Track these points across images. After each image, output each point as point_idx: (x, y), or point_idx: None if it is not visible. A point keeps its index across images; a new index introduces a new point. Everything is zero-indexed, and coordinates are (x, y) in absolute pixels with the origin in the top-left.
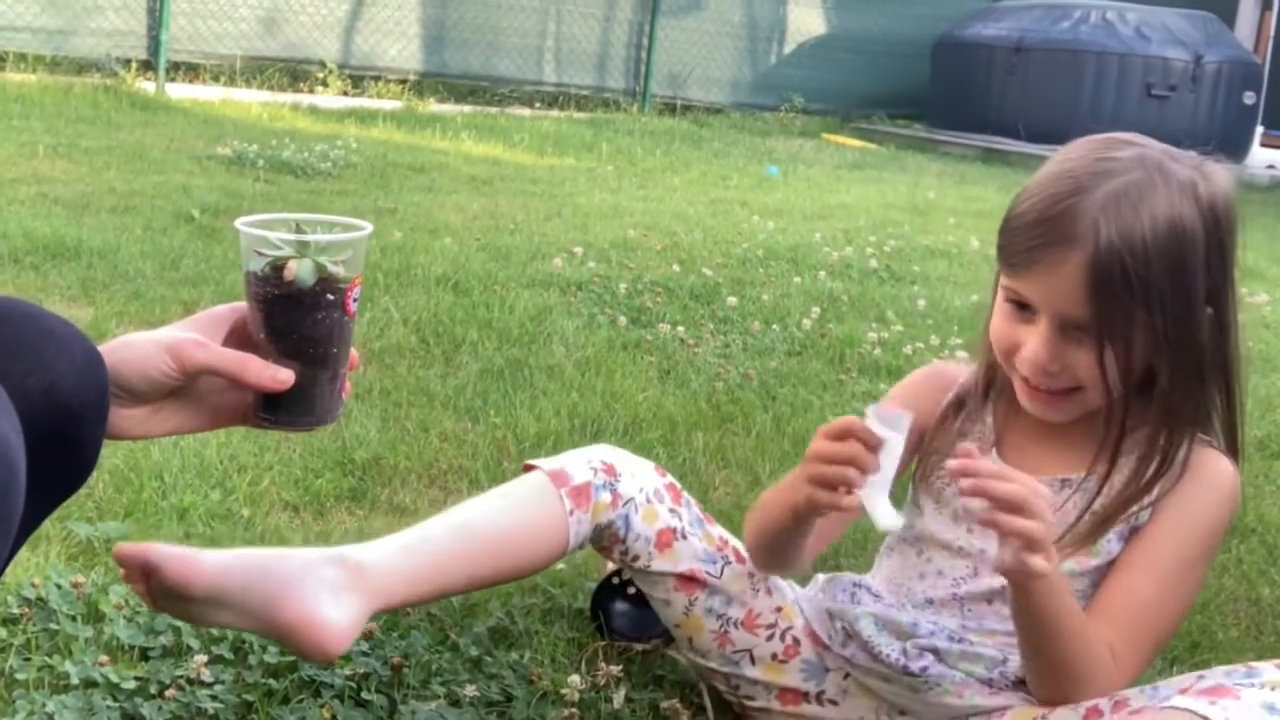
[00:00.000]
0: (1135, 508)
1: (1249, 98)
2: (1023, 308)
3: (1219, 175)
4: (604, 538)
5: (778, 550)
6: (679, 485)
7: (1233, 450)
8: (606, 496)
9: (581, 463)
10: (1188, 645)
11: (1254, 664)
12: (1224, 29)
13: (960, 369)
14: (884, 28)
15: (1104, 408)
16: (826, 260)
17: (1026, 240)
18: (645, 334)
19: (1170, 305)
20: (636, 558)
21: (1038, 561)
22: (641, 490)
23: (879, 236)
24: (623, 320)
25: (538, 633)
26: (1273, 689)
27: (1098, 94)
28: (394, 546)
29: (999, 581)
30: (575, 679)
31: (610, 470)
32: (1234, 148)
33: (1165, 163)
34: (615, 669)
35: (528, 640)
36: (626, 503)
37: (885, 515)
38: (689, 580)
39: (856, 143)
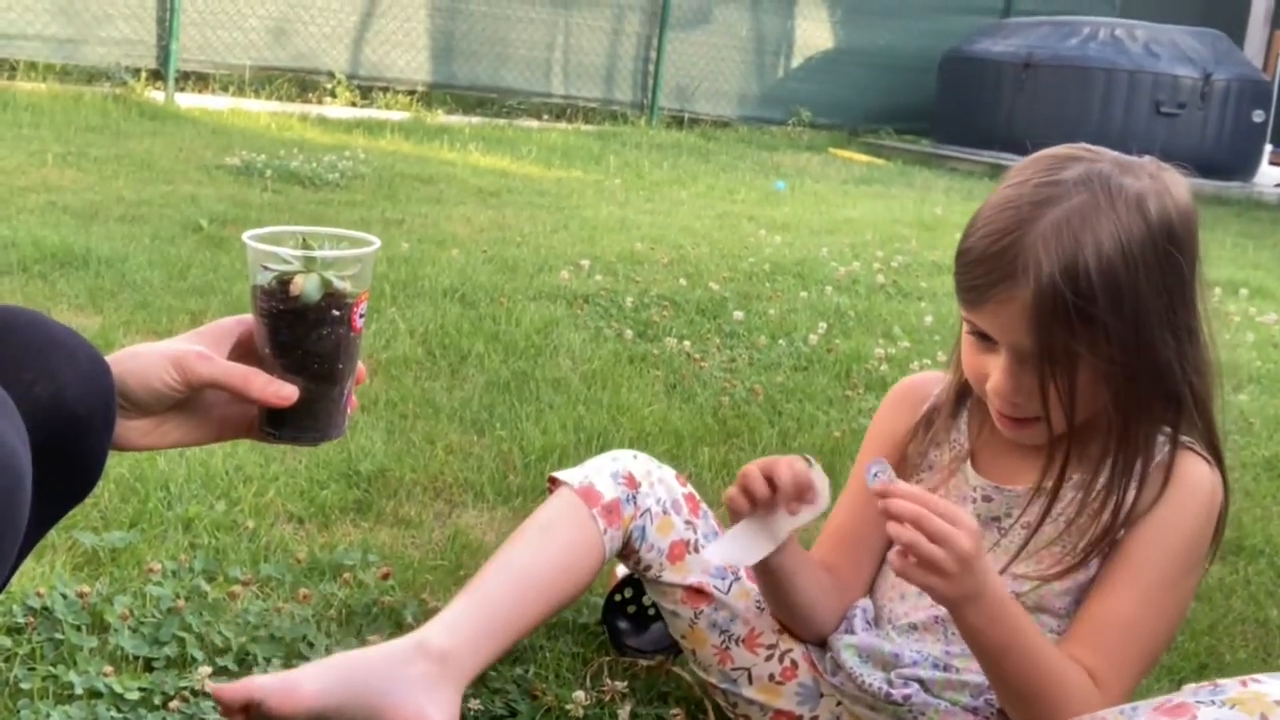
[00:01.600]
0: (1109, 516)
1: (1258, 116)
2: (984, 337)
3: (1175, 185)
4: (623, 547)
5: (781, 605)
6: (698, 496)
7: (1212, 456)
8: (630, 509)
9: (606, 476)
10: (1195, 667)
11: (1221, 680)
12: (1233, 47)
13: (935, 380)
14: (892, 42)
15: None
16: (833, 275)
17: (974, 278)
18: (651, 348)
19: (1118, 334)
20: (649, 567)
21: (934, 581)
22: (659, 501)
23: (886, 252)
24: (629, 334)
25: (542, 647)
26: (1232, 707)
27: (1106, 111)
28: (464, 619)
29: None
30: (580, 694)
31: (630, 481)
32: (1243, 166)
33: (1114, 179)
34: (620, 684)
35: (532, 655)
36: (643, 513)
37: (716, 548)
38: (696, 593)
39: (864, 157)
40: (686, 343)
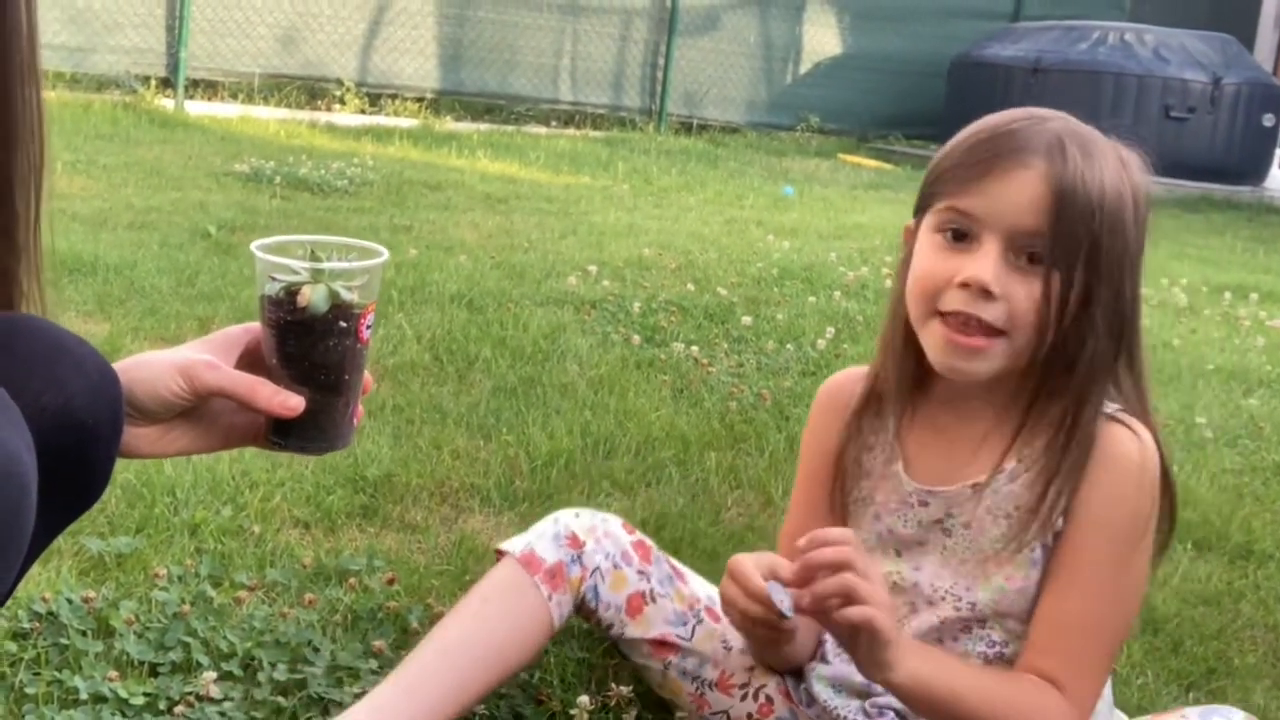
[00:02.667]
0: (1053, 494)
1: (1268, 120)
2: (960, 237)
3: (1138, 164)
4: (581, 610)
5: (764, 651)
6: (649, 541)
7: (1144, 417)
8: (577, 570)
9: (548, 540)
10: (1204, 671)
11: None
12: (1243, 51)
13: (855, 378)
14: (900, 48)
15: (1019, 371)
16: (842, 280)
17: (978, 154)
18: (659, 353)
19: (1113, 256)
20: (610, 626)
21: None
22: (608, 556)
23: (894, 257)
24: (636, 339)
25: (547, 652)
26: None
27: (1116, 116)
28: (393, 703)
29: (937, 616)
30: (585, 699)
31: (574, 541)
32: (1253, 170)
33: (1101, 135)
34: (626, 689)
35: (537, 660)
36: (593, 572)
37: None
38: (661, 644)
39: (872, 163)
40: (694, 348)
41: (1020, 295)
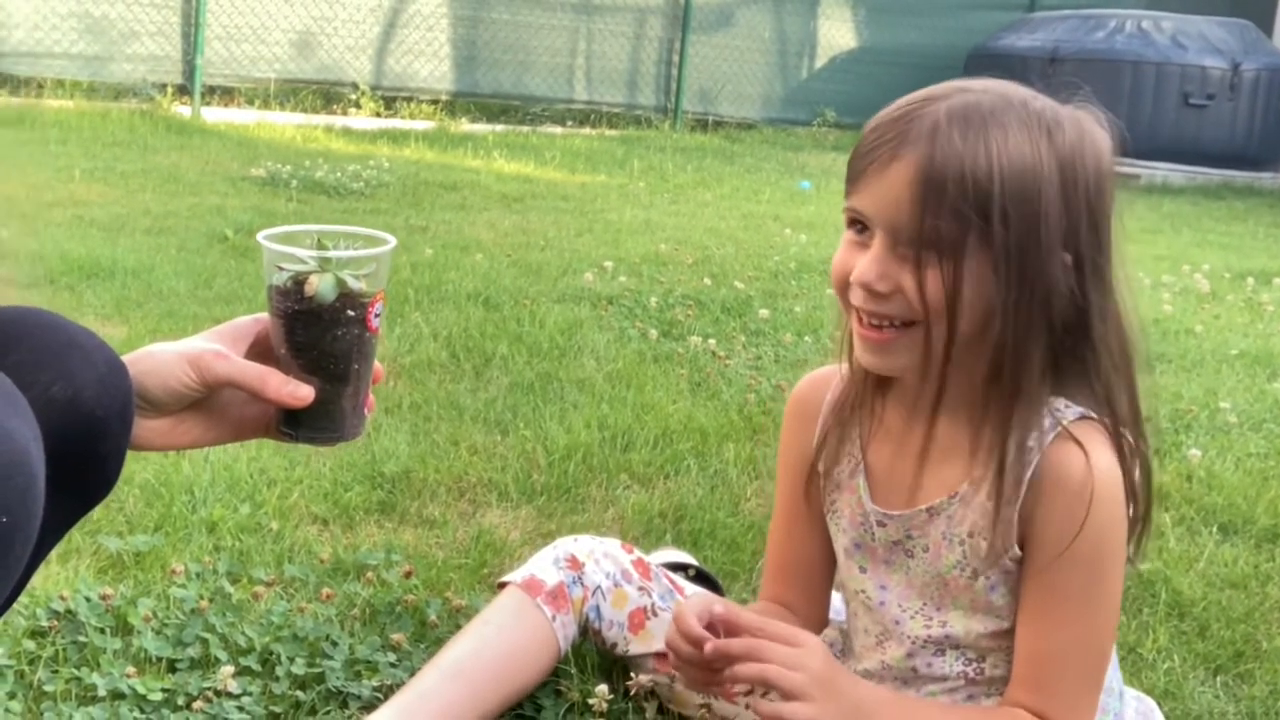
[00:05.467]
0: (1002, 523)
1: None
2: (861, 230)
3: (1096, 131)
4: (585, 631)
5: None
6: (647, 560)
7: (1135, 430)
8: (579, 592)
9: (548, 564)
10: (1231, 655)
11: None
12: (1262, 37)
13: (825, 382)
14: (916, 40)
15: (970, 378)
16: None
17: (864, 147)
18: (676, 347)
19: (1015, 236)
20: (615, 644)
21: (803, 712)
22: (608, 575)
23: None
24: (654, 333)
25: None
26: None
27: (1134, 104)
28: (394, 713)
29: (909, 637)
30: (603, 688)
31: (573, 563)
32: (1274, 157)
33: (1030, 102)
34: (646, 679)
35: (543, 681)
36: (594, 592)
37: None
38: (666, 658)
39: None
40: (711, 341)
41: (910, 286)
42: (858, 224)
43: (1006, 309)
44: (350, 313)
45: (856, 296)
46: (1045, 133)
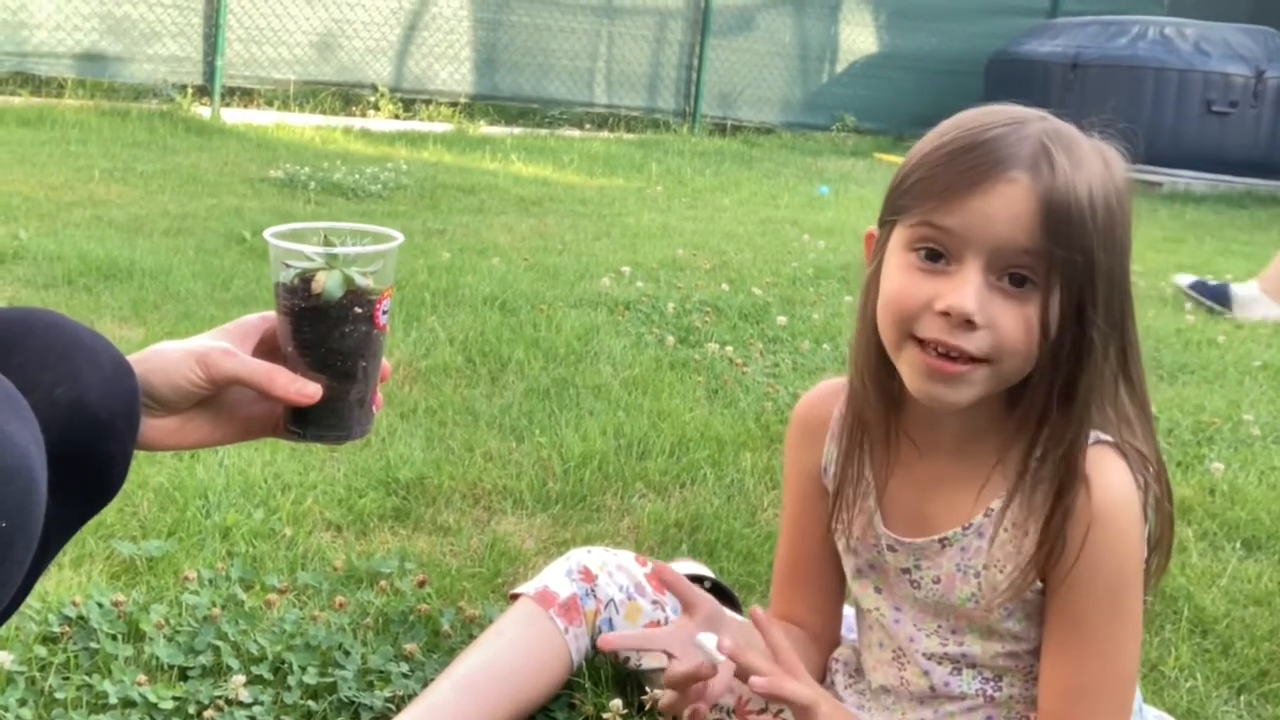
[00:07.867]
0: (1026, 561)
1: None
2: (935, 257)
3: (1119, 162)
4: (596, 644)
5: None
6: None
7: (1147, 447)
8: (592, 604)
9: (561, 575)
10: (1256, 674)
11: None
12: None
13: (831, 397)
14: (937, 46)
15: (1011, 393)
16: None
17: (957, 164)
18: (693, 353)
19: (1106, 270)
20: (628, 659)
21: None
22: (622, 589)
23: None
24: (671, 340)
25: None
26: None
27: (1157, 111)
28: None
29: (926, 654)
30: (618, 702)
31: (586, 575)
32: None
33: (1075, 129)
34: (659, 692)
35: (555, 694)
36: (607, 605)
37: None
38: None
39: None
40: (729, 348)
41: (1006, 322)
42: (928, 249)
43: (1092, 348)
44: (358, 309)
45: (936, 328)
46: (1107, 166)
